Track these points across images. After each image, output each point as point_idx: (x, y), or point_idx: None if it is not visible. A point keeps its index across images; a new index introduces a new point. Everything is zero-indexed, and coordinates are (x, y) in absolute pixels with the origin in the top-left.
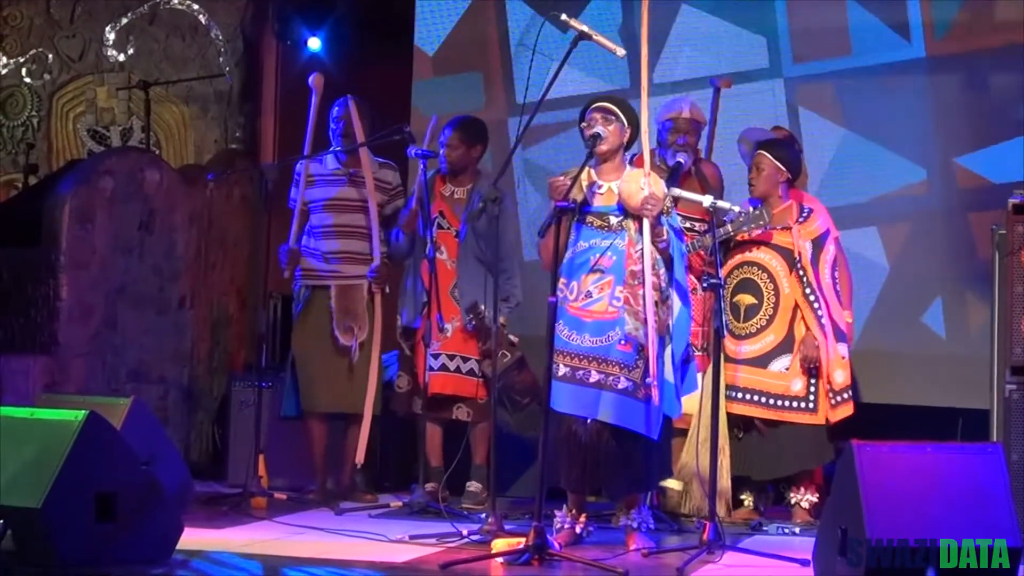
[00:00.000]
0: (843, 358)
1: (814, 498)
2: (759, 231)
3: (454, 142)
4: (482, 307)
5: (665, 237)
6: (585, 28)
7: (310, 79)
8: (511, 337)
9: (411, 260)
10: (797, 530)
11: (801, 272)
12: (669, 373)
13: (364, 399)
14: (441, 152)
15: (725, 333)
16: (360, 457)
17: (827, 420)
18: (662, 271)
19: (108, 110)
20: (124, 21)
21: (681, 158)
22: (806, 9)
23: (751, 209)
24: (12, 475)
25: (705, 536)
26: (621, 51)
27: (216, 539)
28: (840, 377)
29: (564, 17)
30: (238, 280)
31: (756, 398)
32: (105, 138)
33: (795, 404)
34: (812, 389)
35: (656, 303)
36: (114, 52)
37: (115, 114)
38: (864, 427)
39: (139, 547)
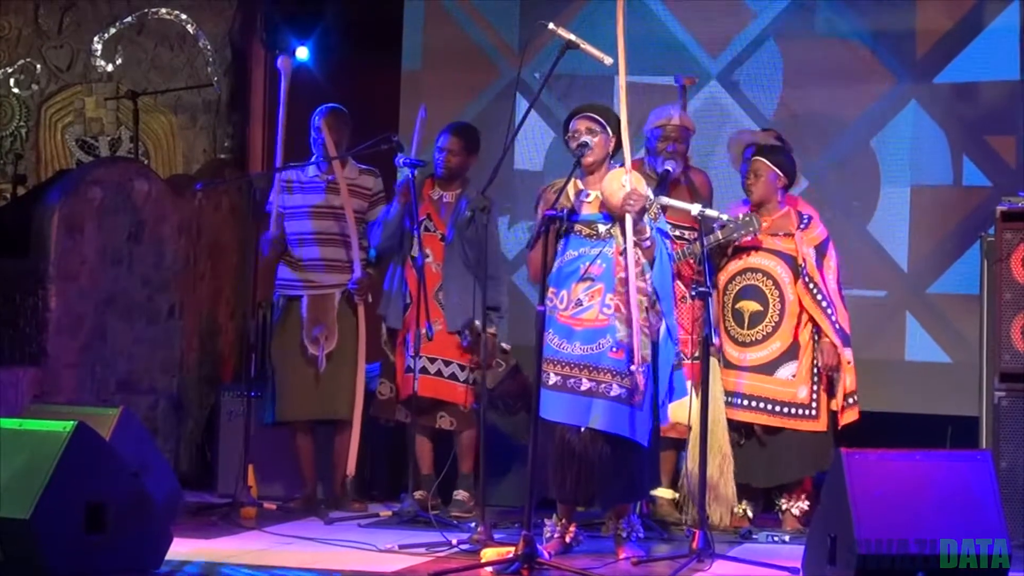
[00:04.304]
0: (849, 362)
1: (805, 505)
2: (749, 238)
3: (456, 148)
4: (476, 324)
5: (648, 235)
6: (572, 37)
7: (278, 61)
8: (503, 345)
9: (393, 262)
10: (787, 538)
11: (808, 279)
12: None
13: (342, 406)
14: (438, 156)
15: (715, 341)
16: (351, 469)
17: (833, 426)
18: (649, 275)
19: (96, 120)
20: (112, 31)
21: (669, 165)
22: None
23: (740, 216)
24: (1, 486)
25: (695, 544)
26: (608, 59)
27: (205, 549)
28: (849, 381)
29: (551, 26)
30: (227, 290)
31: (761, 405)
32: (93, 148)
33: (799, 411)
34: (815, 396)
35: (646, 308)
36: (102, 62)
37: (103, 124)
38: (853, 435)
39: (128, 557)
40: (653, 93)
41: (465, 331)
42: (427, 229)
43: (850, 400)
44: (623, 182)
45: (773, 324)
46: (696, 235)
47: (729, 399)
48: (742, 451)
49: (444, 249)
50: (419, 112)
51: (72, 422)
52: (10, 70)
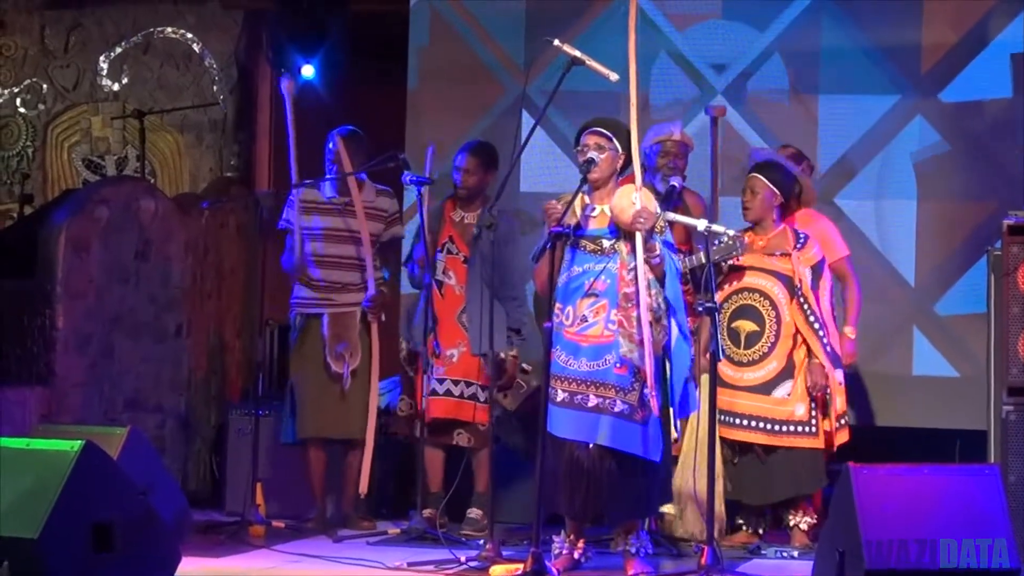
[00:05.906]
0: (839, 384)
1: (812, 520)
2: (731, 261)
3: (472, 167)
4: (501, 355)
5: (658, 252)
6: (577, 53)
7: (281, 84)
8: (524, 366)
9: (422, 290)
10: (796, 554)
11: (802, 299)
12: (666, 393)
13: (359, 425)
14: (456, 176)
15: (721, 357)
16: (363, 488)
17: (827, 445)
18: (655, 291)
19: (103, 139)
20: (118, 50)
21: (675, 180)
22: None
23: (725, 238)
24: (9, 506)
25: (703, 560)
26: (614, 76)
27: (214, 568)
28: (839, 403)
29: (556, 42)
30: (234, 308)
31: (759, 424)
32: (100, 167)
33: (798, 429)
34: (813, 413)
35: (651, 323)
36: (108, 81)
37: (110, 143)
38: (861, 450)
39: None
40: (657, 108)
41: (485, 360)
42: (450, 252)
43: (842, 422)
44: (633, 199)
45: (769, 344)
46: (683, 255)
47: (725, 418)
48: (736, 469)
49: (467, 271)
50: (427, 151)
51: (80, 441)
52: (16, 90)
